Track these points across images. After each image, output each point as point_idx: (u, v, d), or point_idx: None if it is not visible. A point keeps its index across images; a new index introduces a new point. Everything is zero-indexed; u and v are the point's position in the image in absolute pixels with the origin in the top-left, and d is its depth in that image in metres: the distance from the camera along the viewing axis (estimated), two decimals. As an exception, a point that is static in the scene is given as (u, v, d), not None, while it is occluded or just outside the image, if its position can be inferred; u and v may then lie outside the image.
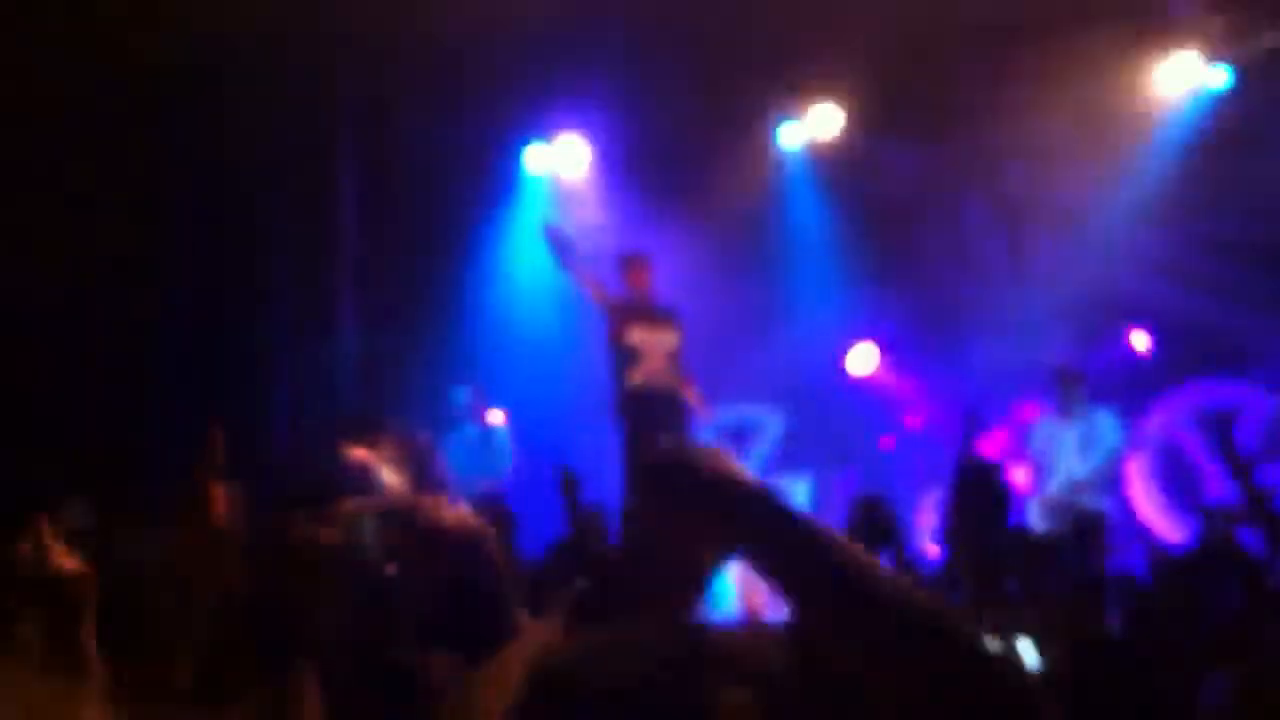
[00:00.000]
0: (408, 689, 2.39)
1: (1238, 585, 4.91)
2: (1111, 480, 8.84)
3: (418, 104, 10.40)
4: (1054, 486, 8.64)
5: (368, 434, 8.70)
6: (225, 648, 2.47)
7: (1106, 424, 8.73)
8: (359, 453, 8.67)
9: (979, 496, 2.26)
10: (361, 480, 8.39)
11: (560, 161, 11.01)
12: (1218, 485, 9.64)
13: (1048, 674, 1.85)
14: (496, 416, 9.96)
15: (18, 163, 7.93)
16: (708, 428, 8.53)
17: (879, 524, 3.35)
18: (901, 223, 11.16)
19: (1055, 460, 8.71)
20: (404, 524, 2.75)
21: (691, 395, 8.11)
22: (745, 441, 11.36)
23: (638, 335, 7.98)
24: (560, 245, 7.96)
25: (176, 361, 8.86)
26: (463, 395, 9.78)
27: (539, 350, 10.50)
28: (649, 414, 7.87)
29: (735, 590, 7.19)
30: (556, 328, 10.10)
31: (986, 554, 2.24)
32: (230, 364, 9.16)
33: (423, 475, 9.09)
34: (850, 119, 10.88)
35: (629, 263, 8.20)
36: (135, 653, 2.54)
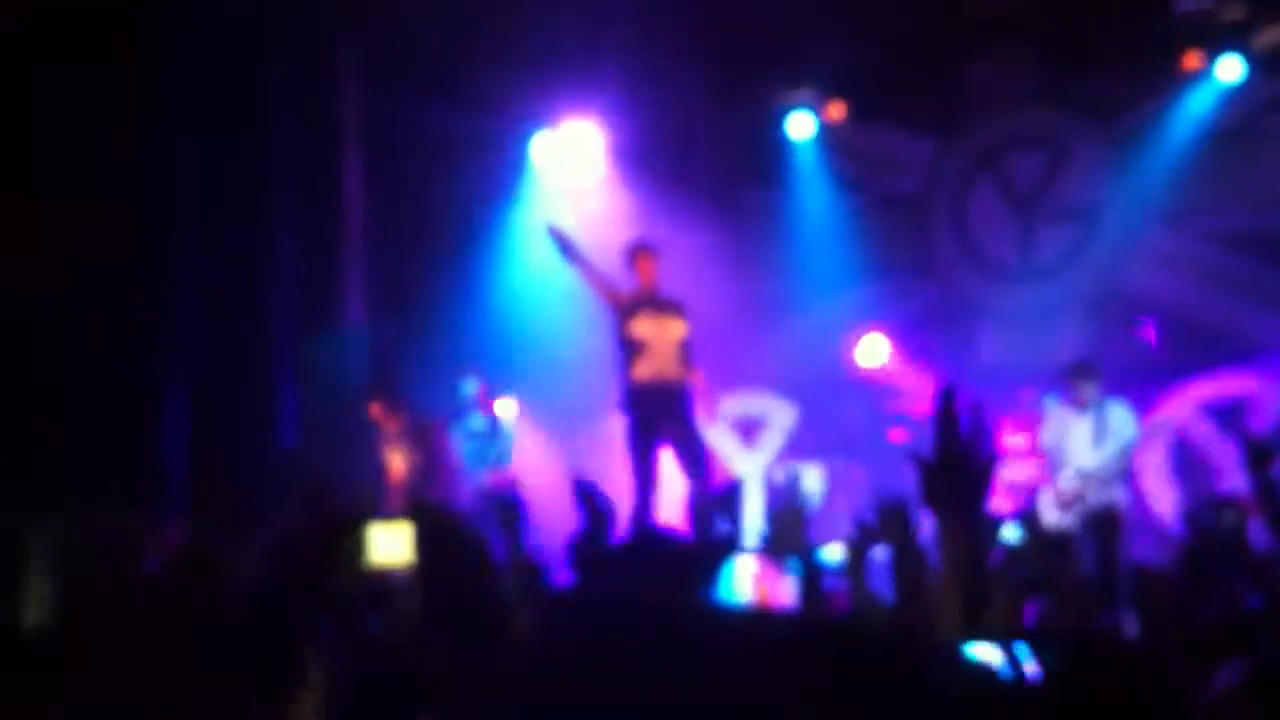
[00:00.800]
0: (408, 684, 2.39)
1: (1247, 576, 4.90)
2: (1124, 472, 8.81)
3: (426, 91, 10.39)
4: (1065, 478, 8.61)
5: (390, 399, 9.09)
6: (228, 646, 2.46)
7: (1120, 416, 8.68)
8: (376, 409, 9.06)
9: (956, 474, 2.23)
10: (376, 435, 8.86)
11: (569, 149, 10.98)
12: (1228, 477, 9.62)
13: (1049, 676, 1.84)
14: (504, 407, 9.95)
15: (17, 159, 7.93)
16: (715, 419, 8.50)
17: (895, 527, 3.34)
18: (912, 214, 11.13)
19: (1067, 452, 8.68)
20: (404, 519, 2.75)
21: (699, 386, 8.06)
22: (755, 432, 11.35)
23: (643, 327, 7.93)
24: (563, 244, 7.93)
25: (182, 354, 8.87)
26: (469, 386, 9.78)
27: (546, 340, 10.48)
28: (654, 407, 7.83)
29: (746, 581, 7.20)
30: (564, 318, 10.08)
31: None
32: (236, 355, 9.17)
33: (431, 459, 9.17)
34: (861, 110, 10.85)
35: (636, 253, 8.15)
36: (140, 652, 2.54)
